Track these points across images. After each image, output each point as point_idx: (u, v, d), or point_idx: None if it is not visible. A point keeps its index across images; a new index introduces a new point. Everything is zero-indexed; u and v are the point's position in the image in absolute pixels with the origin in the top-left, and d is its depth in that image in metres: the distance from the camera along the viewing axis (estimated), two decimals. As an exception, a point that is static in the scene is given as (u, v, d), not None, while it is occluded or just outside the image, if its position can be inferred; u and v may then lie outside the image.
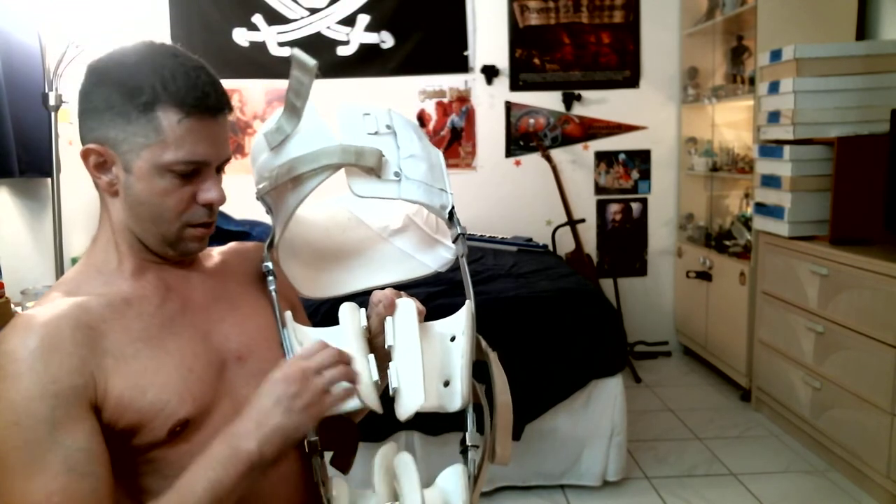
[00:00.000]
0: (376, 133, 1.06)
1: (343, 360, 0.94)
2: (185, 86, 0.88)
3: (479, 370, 1.02)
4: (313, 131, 1.04)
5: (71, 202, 2.91)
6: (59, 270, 2.96)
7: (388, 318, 1.01)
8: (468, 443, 0.97)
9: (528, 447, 2.48)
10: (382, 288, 1.07)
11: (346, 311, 1.04)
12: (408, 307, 1.03)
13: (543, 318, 2.47)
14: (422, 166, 1.05)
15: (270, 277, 1.05)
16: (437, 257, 1.22)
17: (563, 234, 3.82)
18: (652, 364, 3.88)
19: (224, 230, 3.02)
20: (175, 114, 0.88)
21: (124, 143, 0.90)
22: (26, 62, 2.78)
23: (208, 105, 0.90)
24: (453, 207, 1.08)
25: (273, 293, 1.04)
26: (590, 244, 4.00)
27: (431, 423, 2.37)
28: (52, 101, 2.55)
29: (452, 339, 1.03)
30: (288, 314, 1.03)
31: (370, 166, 1.01)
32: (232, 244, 1.15)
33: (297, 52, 0.94)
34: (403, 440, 2.40)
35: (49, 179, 2.99)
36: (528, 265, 3.04)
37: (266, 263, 1.06)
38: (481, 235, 3.65)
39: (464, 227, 1.09)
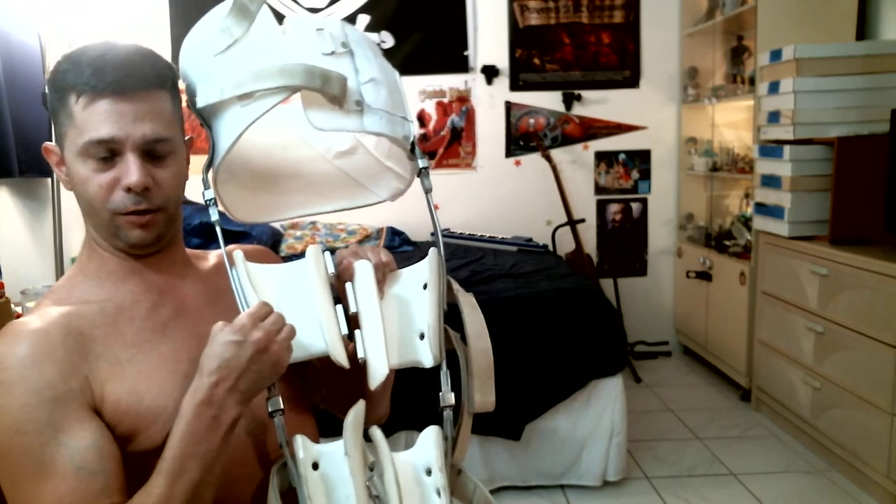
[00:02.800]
0: (332, 53, 0.93)
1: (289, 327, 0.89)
2: (90, 67, 0.87)
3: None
4: (268, 41, 0.92)
5: (71, 202, 2.90)
6: (59, 270, 2.97)
7: (348, 285, 0.96)
8: (441, 403, 0.95)
9: (527, 447, 2.47)
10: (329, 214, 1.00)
11: (311, 255, 0.95)
12: (364, 271, 0.96)
13: (543, 318, 2.47)
14: (382, 92, 0.94)
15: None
16: (388, 186, 1.11)
17: (563, 234, 3.82)
18: (652, 364, 3.87)
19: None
20: (77, 95, 0.88)
21: (60, 136, 0.92)
22: (26, 62, 2.78)
23: (108, 82, 0.87)
24: (415, 137, 0.99)
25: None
26: (590, 244, 4.00)
27: (431, 423, 2.36)
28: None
29: (425, 286, 0.97)
30: (238, 253, 0.95)
31: (334, 94, 0.89)
32: (229, 246, 1.14)
33: None
34: (404, 439, 2.40)
35: (49, 179, 3.00)
36: (528, 265, 3.04)
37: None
38: (481, 235, 3.65)
39: (427, 161, 1.00)
